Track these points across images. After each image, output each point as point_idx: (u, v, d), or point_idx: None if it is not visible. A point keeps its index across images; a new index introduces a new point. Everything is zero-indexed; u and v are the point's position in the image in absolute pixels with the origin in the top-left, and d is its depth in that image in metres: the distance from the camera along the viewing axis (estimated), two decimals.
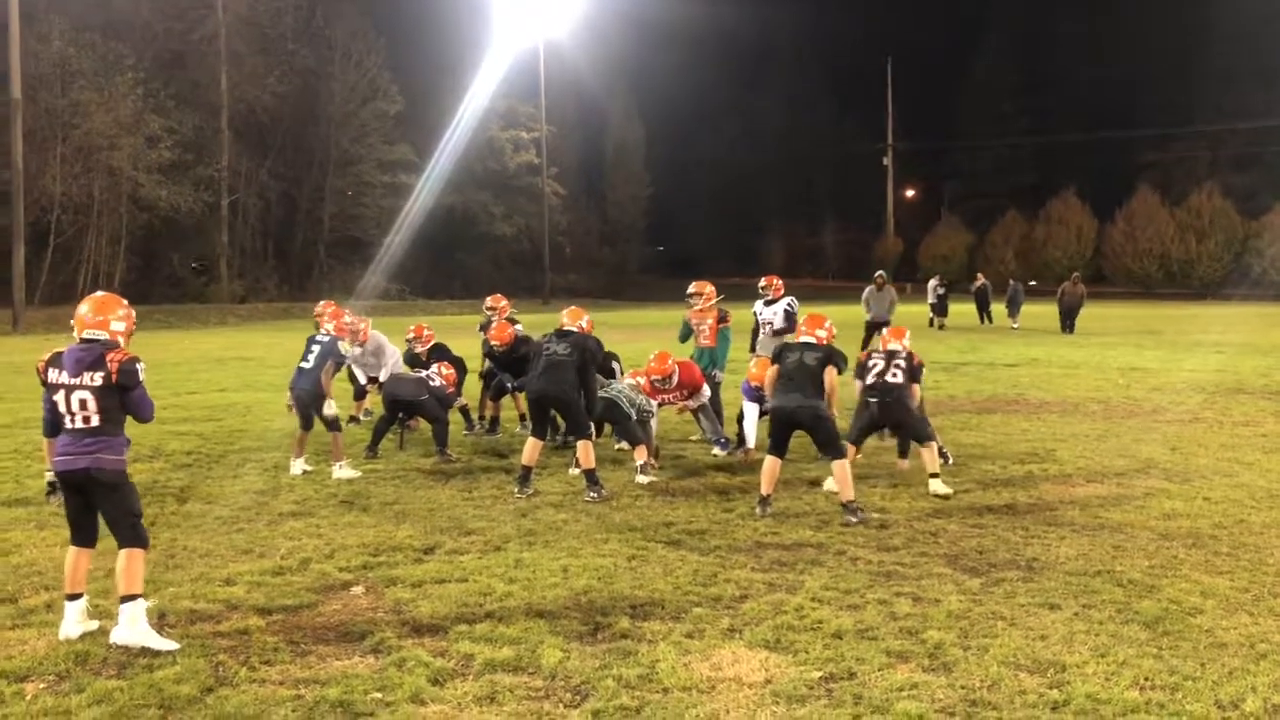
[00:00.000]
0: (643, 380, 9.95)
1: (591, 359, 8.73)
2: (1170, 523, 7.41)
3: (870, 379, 8.82)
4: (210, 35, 47.70)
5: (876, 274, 22.47)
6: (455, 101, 52.66)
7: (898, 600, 5.67)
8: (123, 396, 5.15)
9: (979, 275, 36.14)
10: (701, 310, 10.95)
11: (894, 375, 8.74)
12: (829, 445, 7.76)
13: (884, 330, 9.00)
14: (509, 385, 11.45)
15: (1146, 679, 4.60)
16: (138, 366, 5.18)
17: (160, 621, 5.33)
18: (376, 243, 52.39)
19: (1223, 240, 62.89)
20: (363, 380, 12.02)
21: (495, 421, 11.73)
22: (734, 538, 7.03)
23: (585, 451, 8.42)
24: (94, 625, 5.18)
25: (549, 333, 8.98)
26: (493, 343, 11.28)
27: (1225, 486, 8.59)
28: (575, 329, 8.89)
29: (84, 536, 5.25)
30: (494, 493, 8.50)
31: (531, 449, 8.54)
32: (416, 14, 56.69)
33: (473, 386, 12.25)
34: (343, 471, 9.11)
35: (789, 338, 9.40)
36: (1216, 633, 5.17)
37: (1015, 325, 30.20)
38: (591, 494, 8.22)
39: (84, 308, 5.30)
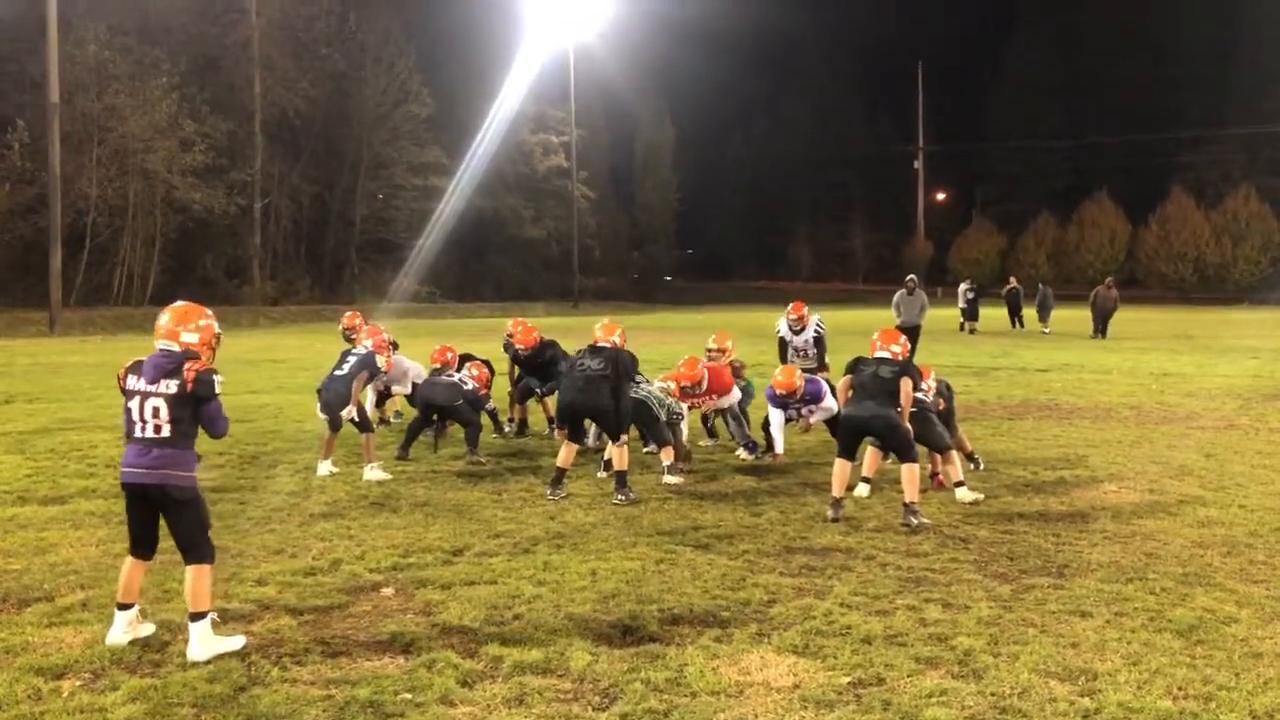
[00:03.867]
0: (673, 385, 9.96)
1: (626, 373, 8.76)
2: (1205, 530, 7.33)
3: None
4: (244, 40, 48.09)
5: (908, 278, 22.31)
6: (486, 105, 52.88)
7: (927, 606, 5.65)
8: (197, 408, 5.02)
9: (1010, 279, 35.90)
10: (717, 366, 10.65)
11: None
12: (903, 451, 7.88)
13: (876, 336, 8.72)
14: (536, 389, 11.49)
15: (1180, 688, 4.55)
16: (215, 378, 5.04)
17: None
18: (407, 245, 52.67)
19: (1259, 244, 62.23)
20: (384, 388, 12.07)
21: (524, 424, 11.78)
22: (762, 542, 7.02)
23: (620, 455, 8.44)
24: (146, 630, 5.17)
25: (582, 348, 9.01)
26: (518, 346, 11.31)
27: (1261, 494, 8.49)
28: (608, 344, 8.89)
29: (144, 549, 5.20)
30: (523, 495, 8.54)
31: (567, 452, 8.59)
32: (447, 18, 56.97)
33: (501, 390, 12.31)
34: (374, 473, 9.17)
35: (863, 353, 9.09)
36: (1251, 642, 5.11)
37: (1046, 330, 29.97)
38: (620, 497, 8.24)
39: (163, 317, 5.19)
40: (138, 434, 5.00)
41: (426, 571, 6.29)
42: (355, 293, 50.66)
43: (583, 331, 10.31)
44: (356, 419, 9.41)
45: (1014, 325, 32.39)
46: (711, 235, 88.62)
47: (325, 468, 9.42)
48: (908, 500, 7.64)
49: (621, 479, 8.36)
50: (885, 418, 7.85)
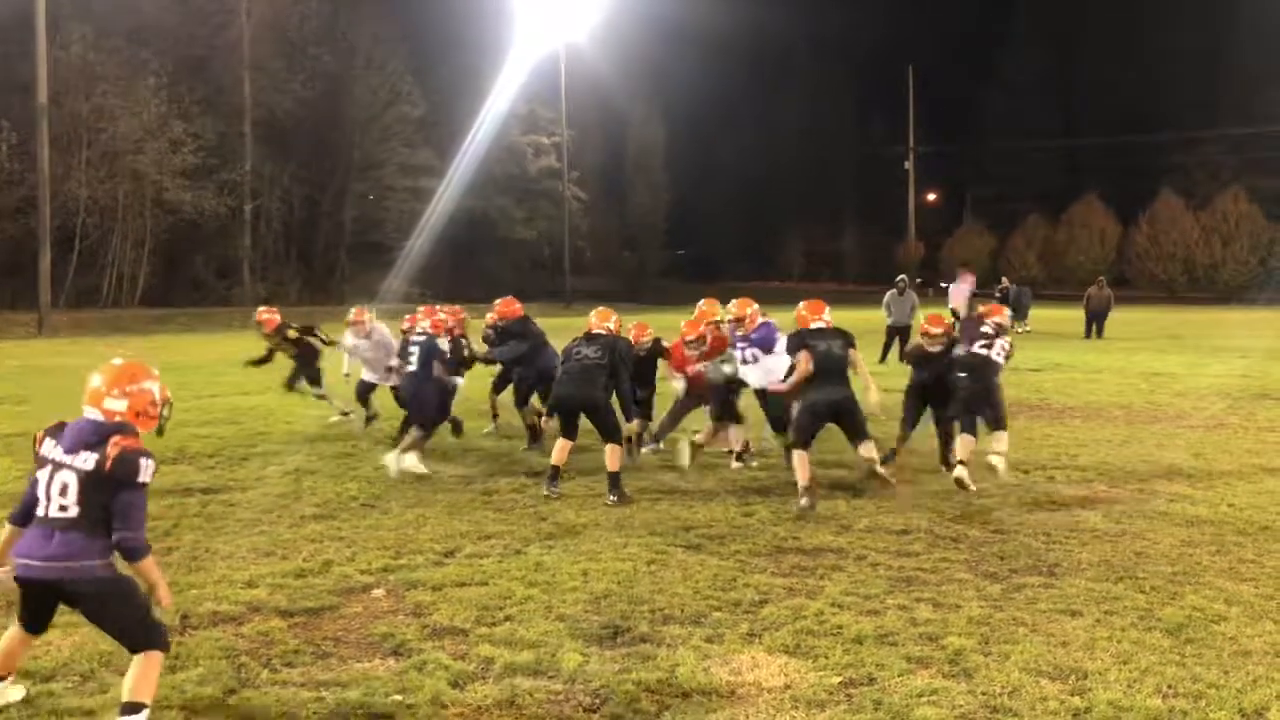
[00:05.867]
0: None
1: (622, 361, 8.74)
2: (1194, 529, 7.35)
3: (976, 348, 8.70)
4: (234, 40, 48.03)
5: (898, 278, 22.36)
6: (477, 106, 52.87)
7: (918, 606, 5.65)
8: (113, 495, 3.99)
9: (1004, 279, 35.97)
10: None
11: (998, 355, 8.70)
12: (863, 430, 8.22)
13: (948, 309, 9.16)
14: (522, 382, 11.02)
15: (1169, 686, 4.56)
16: (144, 462, 4.04)
17: (183, 623, 5.37)
18: (398, 246, 52.62)
19: (1248, 244, 62.47)
20: (368, 376, 12.01)
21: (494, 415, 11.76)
22: (754, 542, 7.02)
23: (613, 456, 8.43)
24: (16, 694, 4.39)
25: (578, 336, 8.99)
26: (497, 319, 11.10)
27: (1250, 493, 8.52)
28: (604, 331, 8.88)
29: (37, 625, 4.33)
30: (514, 496, 8.52)
31: (561, 449, 8.58)
32: (439, 19, 56.97)
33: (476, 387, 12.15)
34: (405, 462, 9.18)
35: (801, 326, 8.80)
36: (1241, 640, 5.13)
37: (1024, 329, 30.02)
38: (612, 497, 8.24)
39: (94, 377, 4.23)
40: (40, 513, 4.03)
41: (417, 573, 6.28)
42: (345, 294, 50.57)
43: (576, 331, 10.25)
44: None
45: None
46: (703, 236, 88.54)
47: (411, 460, 9.33)
48: (880, 469, 8.23)
49: (615, 480, 8.36)
50: (851, 397, 8.16)
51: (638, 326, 10.38)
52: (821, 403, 8.13)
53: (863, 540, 7.06)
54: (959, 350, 8.91)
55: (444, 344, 9.87)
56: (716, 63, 77.75)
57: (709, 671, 4.75)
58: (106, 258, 43.83)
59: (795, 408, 8.42)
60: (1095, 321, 28.41)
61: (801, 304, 8.77)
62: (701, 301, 10.45)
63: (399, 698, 4.46)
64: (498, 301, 11.49)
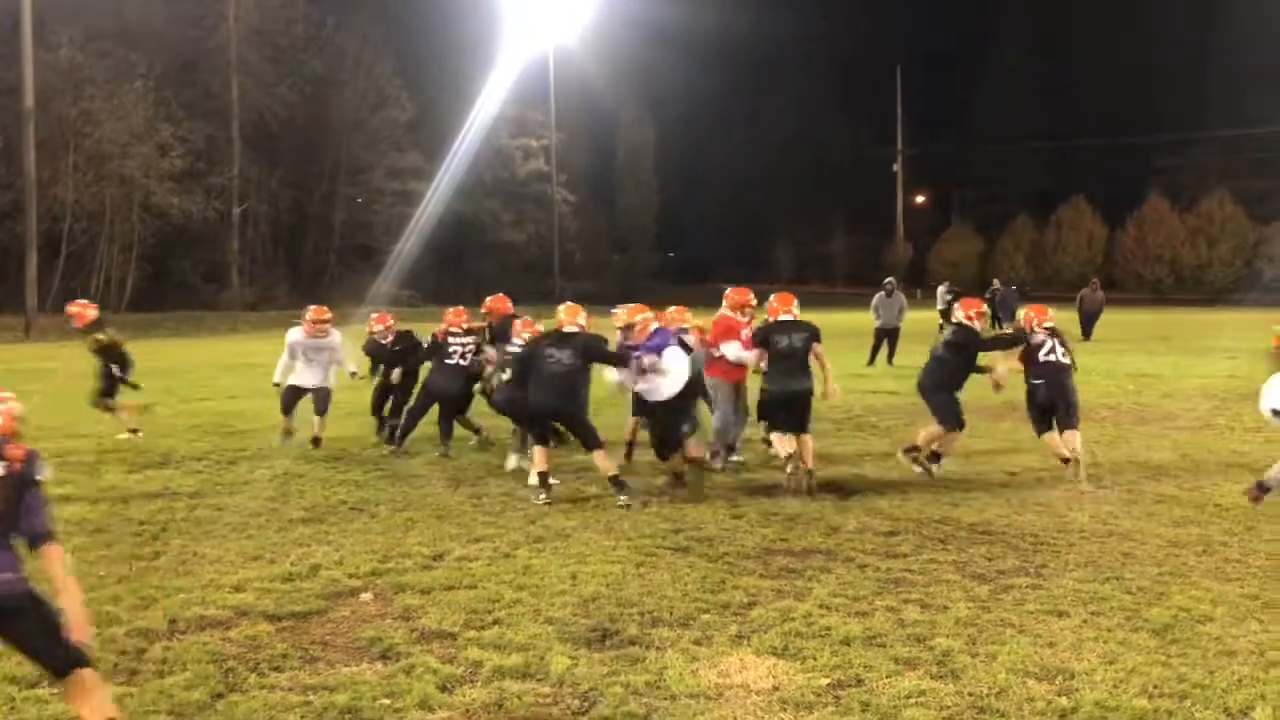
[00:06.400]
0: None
1: (603, 359, 8.70)
2: (1180, 530, 7.39)
3: (1044, 357, 9.17)
4: (222, 44, 47.90)
5: (886, 280, 22.39)
6: (465, 109, 52.75)
7: (906, 607, 5.67)
8: (21, 495, 3.81)
9: (995, 281, 36.07)
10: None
11: (1064, 356, 9.19)
12: (805, 424, 8.81)
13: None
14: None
15: (1155, 686, 4.59)
16: (42, 461, 3.87)
17: (171, 627, 5.36)
18: (386, 249, 52.48)
19: (1234, 246, 62.80)
20: (306, 382, 11.04)
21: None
22: (742, 545, 7.02)
23: (603, 461, 8.41)
24: None
25: (547, 334, 8.83)
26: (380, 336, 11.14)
27: (1235, 493, 8.54)
28: (576, 328, 8.59)
29: None
30: (503, 499, 8.51)
31: (542, 456, 8.50)
32: (427, 22, 56.91)
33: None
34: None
35: (764, 319, 9.26)
36: (1226, 640, 5.15)
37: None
38: (622, 499, 8.19)
39: None
40: None
41: (406, 576, 6.27)
42: (334, 298, 50.34)
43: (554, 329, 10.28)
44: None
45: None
46: (693, 238, 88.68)
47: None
48: (812, 467, 8.56)
49: (617, 483, 8.30)
50: (809, 390, 8.68)
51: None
52: (779, 393, 8.72)
53: (851, 542, 7.07)
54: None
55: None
56: (706, 65, 77.92)
57: (697, 674, 4.75)
58: (94, 262, 43.64)
59: (760, 396, 9.00)
60: (1088, 324, 28.48)
61: (773, 296, 9.10)
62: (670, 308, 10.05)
63: (387, 701, 4.46)
64: (488, 299, 11.42)
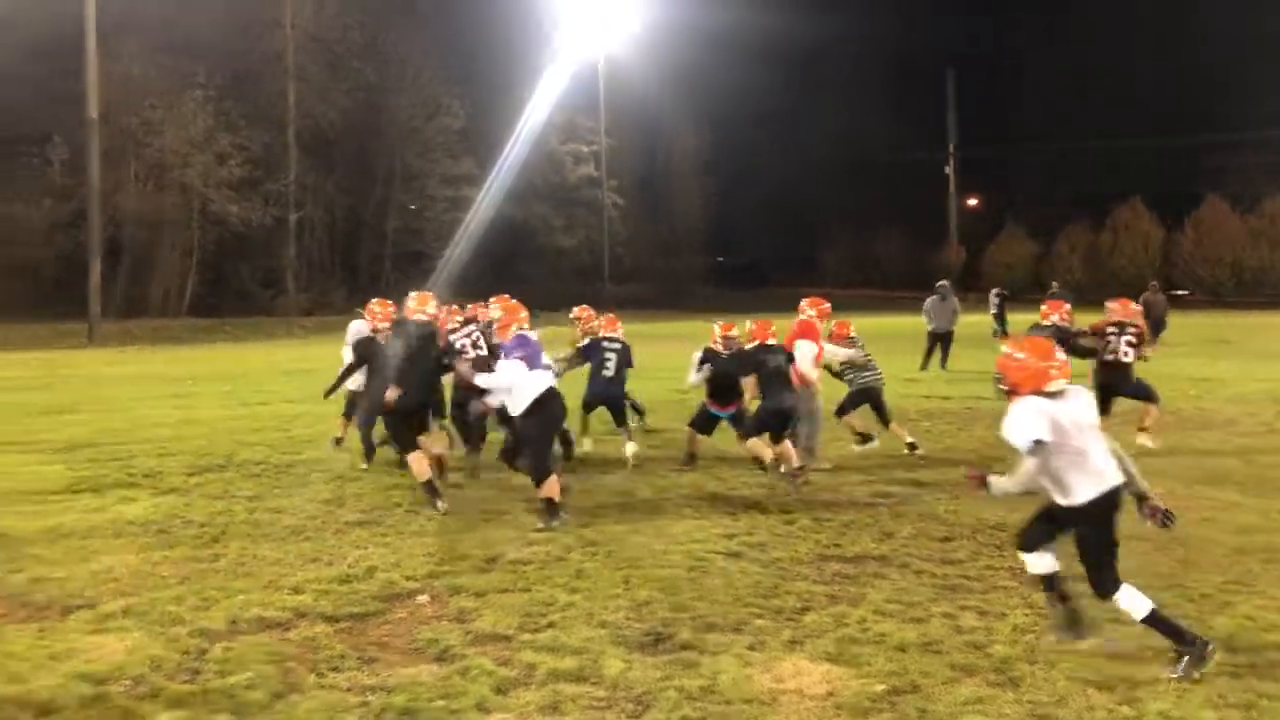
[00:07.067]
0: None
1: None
2: (1245, 537, 7.23)
3: (1108, 356, 10.63)
4: (279, 51, 48.60)
5: (939, 283, 22.17)
6: (515, 115, 53.17)
7: (963, 614, 5.61)
8: None
9: (1054, 284, 35.53)
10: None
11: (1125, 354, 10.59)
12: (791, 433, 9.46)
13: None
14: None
15: (1220, 696, 4.50)
16: None
17: (231, 628, 5.45)
18: (439, 255, 52.97)
19: None
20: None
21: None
22: (795, 550, 7.00)
23: (419, 465, 8.37)
24: None
25: (601, 338, 10.20)
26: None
27: None
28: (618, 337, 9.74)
29: None
30: None
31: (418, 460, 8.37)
32: (479, 29, 57.31)
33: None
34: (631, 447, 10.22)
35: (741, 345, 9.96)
36: None
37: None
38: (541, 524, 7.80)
39: None
40: None
41: (461, 579, 6.32)
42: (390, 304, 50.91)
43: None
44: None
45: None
46: (743, 242, 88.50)
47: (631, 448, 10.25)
48: (796, 467, 9.03)
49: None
50: (794, 406, 9.30)
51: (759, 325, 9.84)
52: (772, 409, 9.28)
53: (906, 547, 7.01)
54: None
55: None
56: (755, 68, 77.64)
57: (751, 679, 4.74)
58: (154, 269, 44.51)
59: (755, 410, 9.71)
60: (1157, 329, 27.91)
61: (751, 325, 9.72)
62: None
63: (443, 703, 4.50)
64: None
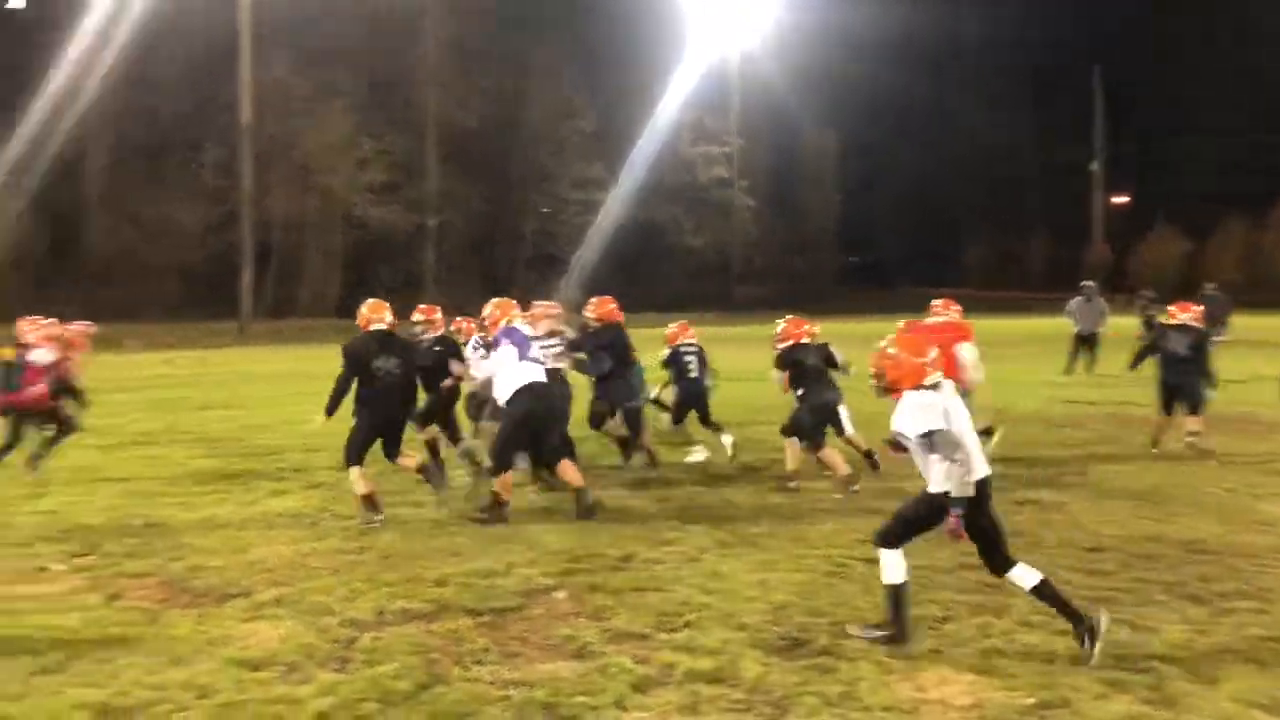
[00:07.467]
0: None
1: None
2: None
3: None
4: (418, 60, 49.94)
5: (1084, 284, 21.36)
6: (645, 116, 53.50)
7: (1114, 627, 5.39)
8: None
9: (1206, 285, 33.93)
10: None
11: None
12: (842, 427, 9.51)
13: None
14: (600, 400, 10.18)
15: None
16: None
17: (378, 619, 5.62)
18: (570, 257, 53.69)
19: None
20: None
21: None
22: (935, 557, 6.81)
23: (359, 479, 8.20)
24: None
25: (678, 345, 10.78)
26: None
27: None
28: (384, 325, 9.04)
29: None
30: (687, 503, 8.56)
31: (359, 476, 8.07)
32: (609, 30, 57.80)
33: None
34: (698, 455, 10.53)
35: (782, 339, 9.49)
36: None
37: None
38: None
39: None
40: None
41: (596, 577, 6.38)
42: (527, 306, 51.72)
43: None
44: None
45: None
46: (876, 241, 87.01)
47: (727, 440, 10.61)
48: (845, 475, 8.84)
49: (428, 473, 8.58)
50: (838, 399, 9.22)
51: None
52: (818, 405, 9.10)
53: (1052, 557, 6.77)
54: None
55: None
56: (889, 65, 76.27)
57: (891, 687, 4.66)
58: (301, 271, 46.28)
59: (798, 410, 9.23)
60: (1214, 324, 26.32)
61: (789, 322, 9.50)
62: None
63: (584, 699, 4.54)
64: (593, 300, 10.47)
